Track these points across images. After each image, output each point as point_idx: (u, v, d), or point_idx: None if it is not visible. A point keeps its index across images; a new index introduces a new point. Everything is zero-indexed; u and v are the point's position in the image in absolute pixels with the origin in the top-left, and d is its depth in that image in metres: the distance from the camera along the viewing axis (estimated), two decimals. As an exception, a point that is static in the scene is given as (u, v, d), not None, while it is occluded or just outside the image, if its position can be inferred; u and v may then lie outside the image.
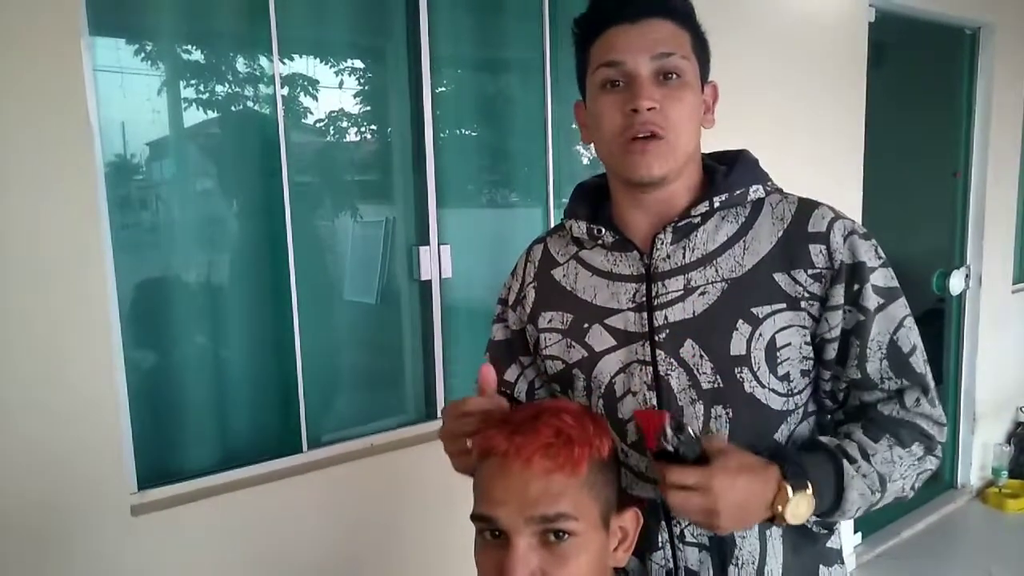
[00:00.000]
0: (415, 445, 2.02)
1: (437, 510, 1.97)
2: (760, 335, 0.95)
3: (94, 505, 1.56)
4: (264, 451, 1.85)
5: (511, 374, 1.14)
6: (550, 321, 1.07)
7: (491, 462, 0.83)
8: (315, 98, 1.98)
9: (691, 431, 0.87)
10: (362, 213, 2.13)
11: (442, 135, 2.13)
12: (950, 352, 3.79)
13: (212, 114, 1.81)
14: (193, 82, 1.78)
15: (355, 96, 2.10)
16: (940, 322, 3.76)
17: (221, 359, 1.83)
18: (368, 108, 2.13)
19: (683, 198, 1.00)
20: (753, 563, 0.99)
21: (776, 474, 0.89)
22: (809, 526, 1.00)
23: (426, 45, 2.02)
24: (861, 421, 0.98)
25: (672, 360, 0.97)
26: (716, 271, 0.98)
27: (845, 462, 0.93)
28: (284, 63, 1.86)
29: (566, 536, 0.81)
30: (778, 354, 0.96)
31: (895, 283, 0.98)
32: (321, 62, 1.99)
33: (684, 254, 0.99)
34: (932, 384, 0.99)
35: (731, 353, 0.95)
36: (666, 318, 0.98)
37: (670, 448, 0.85)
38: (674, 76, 0.94)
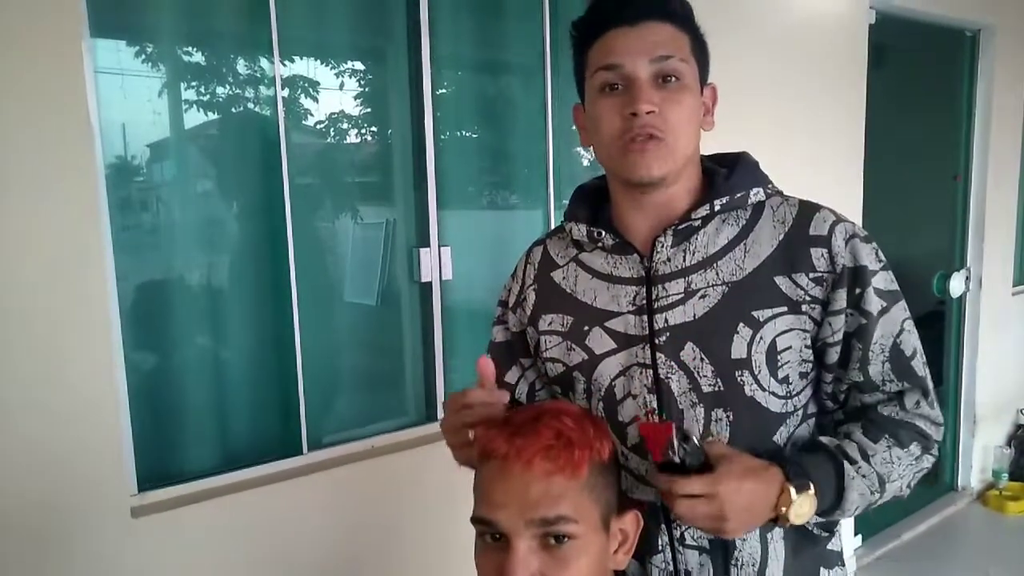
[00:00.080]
0: (416, 447, 2.01)
1: (437, 512, 1.97)
2: (761, 338, 0.95)
3: (94, 506, 1.56)
4: (264, 453, 1.85)
5: (512, 376, 1.14)
6: (550, 323, 1.07)
7: (491, 465, 0.83)
8: (315, 99, 1.98)
9: (695, 440, 0.87)
10: (362, 215, 2.12)
11: (442, 137, 2.13)
12: (950, 354, 3.79)
13: (213, 116, 1.81)
14: (194, 84, 1.78)
15: (356, 98, 2.10)
16: (940, 324, 3.76)
17: (221, 360, 1.83)
18: (369, 110, 2.13)
19: (683, 201, 1.00)
20: (754, 565, 0.99)
21: (779, 475, 0.89)
22: (810, 528, 1.00)
23: (427, 47, 2.02)
24: (861, 421, 0.98)
25: (672, 363, 0.97)
26: (717, 274, 0.97)
27: (846, 463, 0.93)
28: (285, 65, 1.86)
29: (566, 539, 0.81)
30: (779, 357, 0.96)
31: (896, 286, 0.98)
32: (322, 63, 1.99)
33: (684, 257, 0.99)
34: (931, 386, 0.99)
35: (732, 356, 0.95)
36: (666, 321, 0.98)
37: (676, 460, 0.85)
38: (673, 79, 0.94)
